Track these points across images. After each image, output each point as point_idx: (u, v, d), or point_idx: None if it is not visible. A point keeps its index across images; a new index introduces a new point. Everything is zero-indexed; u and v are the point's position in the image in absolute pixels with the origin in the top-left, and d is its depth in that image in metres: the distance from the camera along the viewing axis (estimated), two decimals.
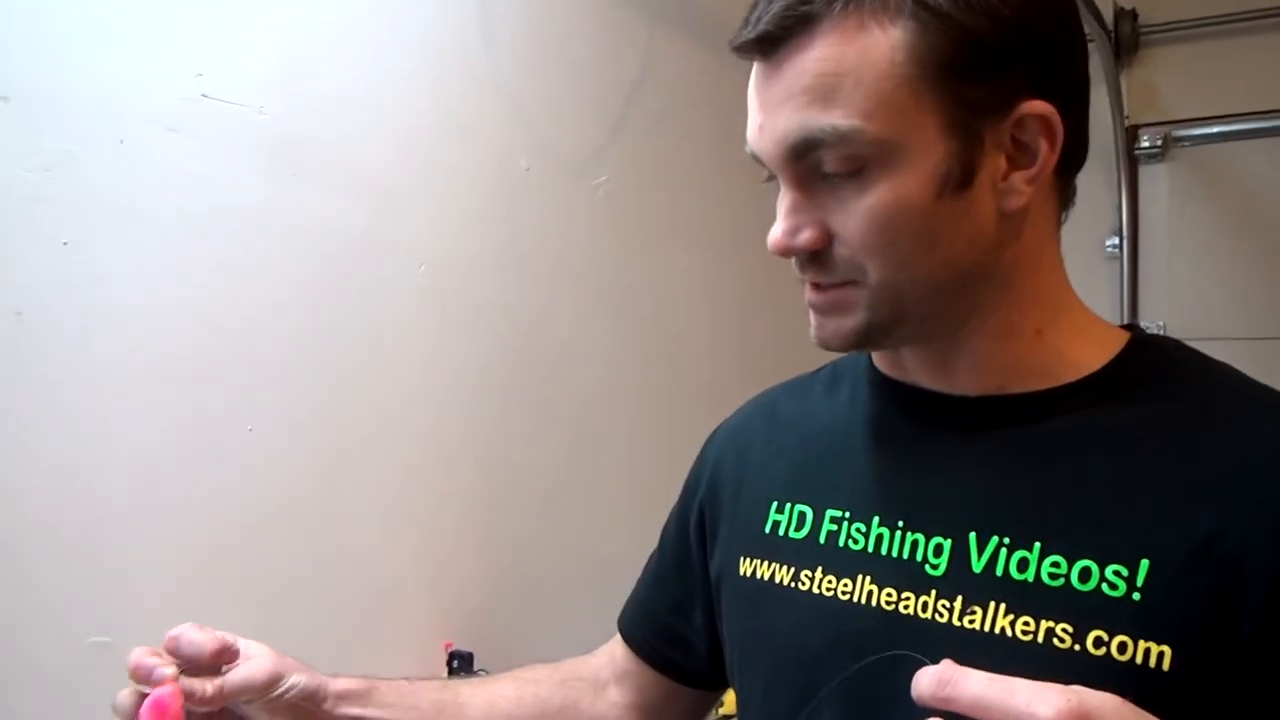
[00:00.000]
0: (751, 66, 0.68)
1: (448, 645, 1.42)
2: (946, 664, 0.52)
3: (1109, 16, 2.35)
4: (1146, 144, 2.40)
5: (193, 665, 0.73)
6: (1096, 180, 2.45)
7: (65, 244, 1.08)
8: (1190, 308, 2.38)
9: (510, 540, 1.57)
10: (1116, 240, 2.42)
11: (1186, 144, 2.38)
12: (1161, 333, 2.37)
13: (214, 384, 1.21)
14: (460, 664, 1.37)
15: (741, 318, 1.96)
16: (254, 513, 1.25)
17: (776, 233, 0.67)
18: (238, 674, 0.74)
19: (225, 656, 0.74)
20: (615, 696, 0.93)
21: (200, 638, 0.73)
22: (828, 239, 0.66)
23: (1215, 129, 2.33)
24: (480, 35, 1.52)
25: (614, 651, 0.95)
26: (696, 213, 1.90)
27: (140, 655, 0.71)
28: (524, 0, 1.60)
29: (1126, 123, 2.41)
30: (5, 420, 1.04)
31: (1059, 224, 0.72)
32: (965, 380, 0.71)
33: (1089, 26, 2.26)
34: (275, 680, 0.75)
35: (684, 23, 1.86)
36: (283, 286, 1.28)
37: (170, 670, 0.70)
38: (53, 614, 1.07)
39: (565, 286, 1.66)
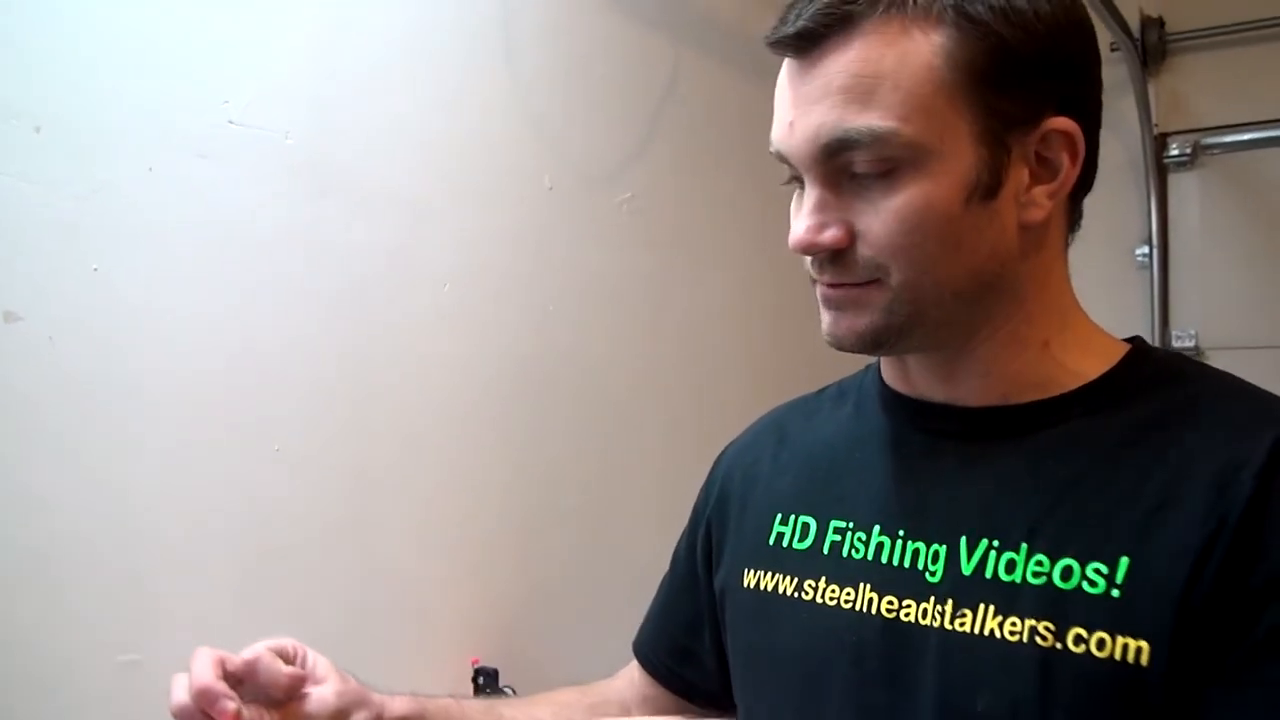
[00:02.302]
0: (780, 69, 0.69)
1: (474, 661, 1.43)
2: None
3: (1135, 25, 2.34)
4: (1175, 152, 2.38)
5: (257, 691, 0.72)
6: (1126, 189, 2.43)
7: (95, 270, 1.10)
8: (1222, 316, 2.35)
9: (539, 558, 1.57)
10: (1147, 249, 2.40)
11: (1216, 151, 2.35)
12: (1194, 341, 2.37)
13: (242, 405, 1.23)
14: (486, 680, 1.38)
15: (771, 333, 1.96)
16: (283, 531, 1.27)
17: (799, 230, 0.68)
18: (301, 709, 0.74)
19: (295, 693, 0.74)
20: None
21: (277, 670, 0.72)
22: (851, 238, 0.67)
23: (1245, 136, 2.30)
24: (503, 55, 1.54)
25: (632, 675, 0.96)
26: (723, 228, 1.91)
27: (206, 679, 0.69)
28: (546, 19, 1.62)
29: (1155, 131, 2.38)
30: (38, 441, 1.06)
31: (1066, 244, 0.73)
32: (971, 391, 0.72)
33: (1115, 35, 2.25)
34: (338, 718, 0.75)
35: (709, 40, 1.87)
36: (310, 308, 1.29)
37: (233, 706, 0.69)
38: (83, 631, 1.09)
39: (591, 303, 1.67)
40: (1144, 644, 0.59)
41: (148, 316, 1.14)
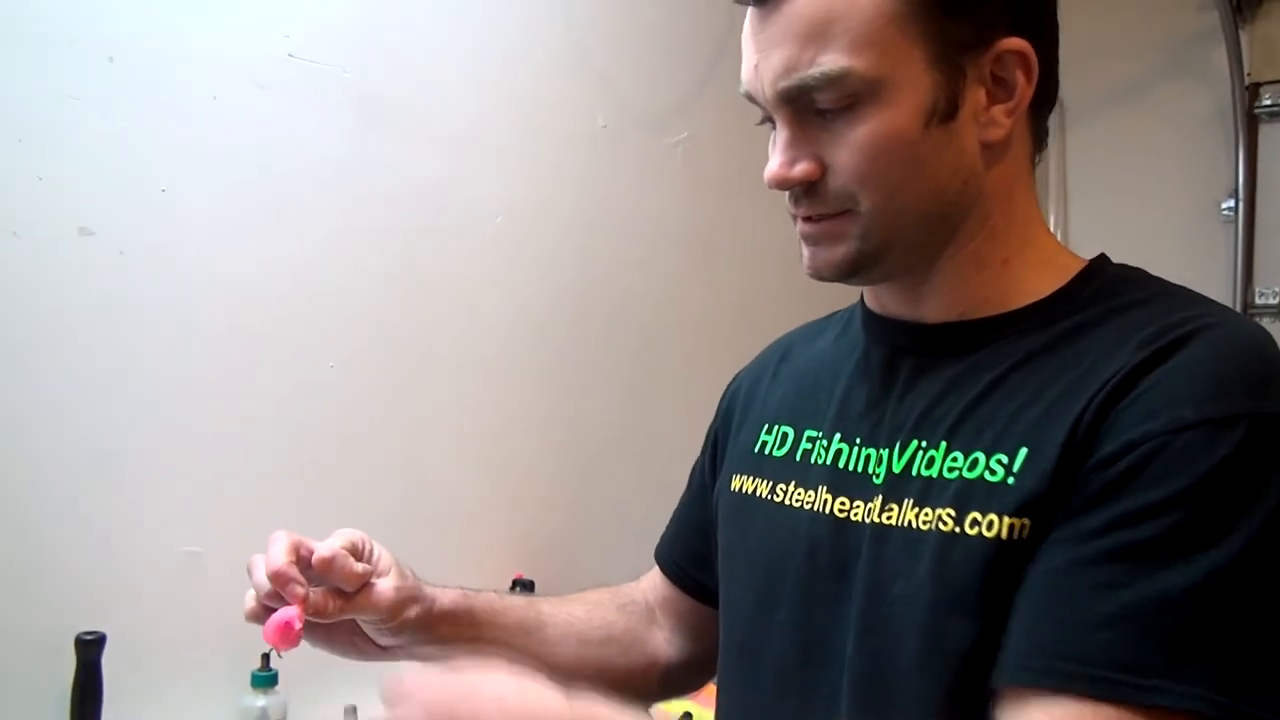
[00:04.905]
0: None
1: (518, 575, 1.50)
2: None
3: None
4: (1268, 102, 2.30)
5: (326, 581, 0.77)
6: (1213, 140, 2.36)
7: (163, 191, 1.19)
8: None
9: (580, 483, 1.65)
10: (1232, 202, 2.33)
11: None
12: (1279, 299, 2.30)
13: (299, 322, 1.32)
14: (522, 591, 1.45)
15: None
16: (337, 443, 1.36)
17: (773, 166, 0.72)
18: (364, 599, 0.79)
19: (361, 590, 0.79)
20: (660, 621, 1.00)
21: (350, 568, 0.77)
22: (822, 171, 0.70)
23: None
24: None
25: (654, 580, 1.02)
26: None
27: (280, 562, 0.74)
28: None
29: (1247, 80, 2.30)
30: (109, 349, 1.16)
31: (1033, 162, 0.75)
32: (933, 308, 0.75)
33: None
34: (394, 613, 0.81)
35: None
36: (364, 233, 1.37)
37: (302, 591, 0.74)
38: (150, 525, 1.20)
39: (640, 241, 1.72)
40: (1026, 521, 0.63)
41: (211, 235, 1.23)
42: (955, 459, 0.68)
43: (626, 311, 1.71)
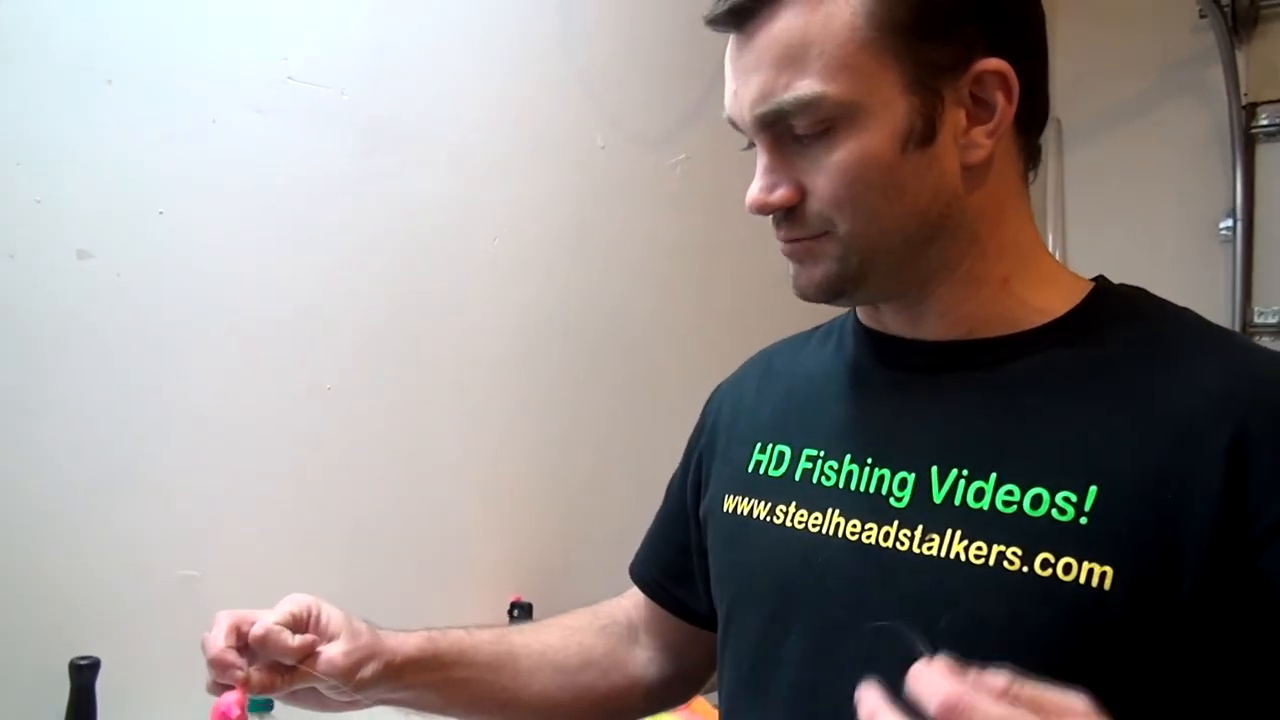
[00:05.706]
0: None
1: (516, 598, 1.49)
2: (954, 689, 0.48)
3: None
4: (1265, 122, 2.30)
5: (268, 657, 0.77)
6: (1211, 160, 2.36)
7: (161, 213, 1.19)
8: None
9: (575, 498, 1.64)
10: (1230, 222, 2.33)
11: None
12: (1278, 319, 2.29)
13: (296, 345, 1.31)
14: (520, 614, 1.45)
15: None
16: (334, 467, 1.35)
17: (754, 191, 0.72)
18: (309, 668, 0.79)
19: (305, 656, 0.78)
20: (643, 639, 0.98)
21: (285, 643, 0.76)
22: (801, 195, 0.70)
23: None
24: (557, 13, 1.59)
25: (636, 598, 1.00)
26: None
27: (218, 648, 0.75)
28: None
29: (1244, 100, 2.31)
30: (106, 373, 1.16)
31: (1025, 180, 0.75)
32: (934, 327, 0.74)
33: (1201, 2, 2.19)
34: (347, 676, 0.80)
35: None
36: (363, 255, 1.37)
37: (241, 674, 0.74)
38: (147, 548, 1.19)
39: (640, 262, 1.72)
40: (1108, 569, 0.61)
41: (209, 258, 1.23)
42: (1011, 492, 0.66)
43: (624, 332, 1.71)
